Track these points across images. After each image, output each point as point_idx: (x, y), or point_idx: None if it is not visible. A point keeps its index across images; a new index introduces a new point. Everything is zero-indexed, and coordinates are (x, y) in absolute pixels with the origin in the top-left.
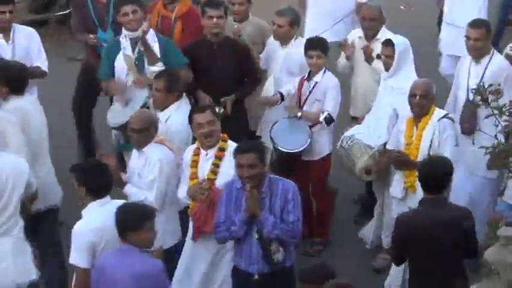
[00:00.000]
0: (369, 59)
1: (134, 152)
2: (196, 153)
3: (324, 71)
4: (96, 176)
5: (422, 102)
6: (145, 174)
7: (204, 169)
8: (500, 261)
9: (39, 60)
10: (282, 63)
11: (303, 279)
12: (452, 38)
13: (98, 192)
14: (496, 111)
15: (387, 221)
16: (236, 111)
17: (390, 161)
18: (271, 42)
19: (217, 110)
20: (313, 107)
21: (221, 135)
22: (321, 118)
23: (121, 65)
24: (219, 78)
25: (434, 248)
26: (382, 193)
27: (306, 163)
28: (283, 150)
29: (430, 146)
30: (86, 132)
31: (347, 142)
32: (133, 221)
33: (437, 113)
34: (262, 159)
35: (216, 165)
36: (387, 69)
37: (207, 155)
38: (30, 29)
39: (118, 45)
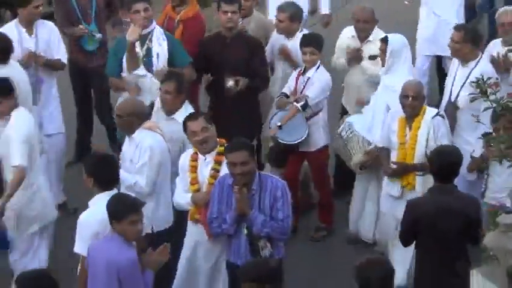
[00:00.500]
0: (356, 60)
1: (127, 138)
2: (194, 159)
3: (318, 67)
4: (104, 169)
5: (415, 104)
6: (136, 159)
7: (204, 174)
8: (500, 248)
9: (60, 53)
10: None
11: (242, 278)
12: (429, 37)
13: (105, 184)
14: (494, 104)
15: (370, 214)
16: (250, 104)
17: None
18: (276, 36)
19: (230, 83)
20: (300, 101)
21: (218, 140)
22: (299, 105)
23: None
24: (232, 70)
25: (441, 234)
26: (366, 185)
27: (301, 154)
28: (283, 142)
29: (426, 145)
30: (85, 126)
31: (346, 132)
32: (118, 212)
33: (429, 111)
34: (253, 156)
35: (216, 170)
36: (383, 64)
37: (205, 160)
38: (51, 23)
39: (126, 42)
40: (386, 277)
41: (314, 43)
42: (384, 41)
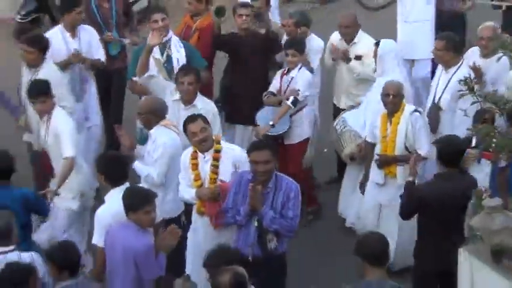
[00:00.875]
0: (343, 60)
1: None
2: (195, 157)
3: (300, 68)
4: (113, 167)
5: (394, 101)
6: (152, 153)
7: (205, 170)
8: (485, 228)
9: (99, 53)
10: None
11: (206, 263)
12: (407, 43)
13: (115, 180)
14: (480, 98)
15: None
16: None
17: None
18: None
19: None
20: (289, 99)
21: (214, 137)
22: (289, 102)
23: (151, 67)
24: (250, 61)
25: (444, 216)
26: (355, 175)
27: (285, 147)
28: (269, 133)
29: (405, 138)
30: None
31: (340, 126)
32: (133, 204)
33: (408, 108)
34: (275, 156)
35: (215, 166)
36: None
37: (204, 157)
38: (91, 28)
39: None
40: (386, 248)
41: (296, 46)
42: (376, 45)
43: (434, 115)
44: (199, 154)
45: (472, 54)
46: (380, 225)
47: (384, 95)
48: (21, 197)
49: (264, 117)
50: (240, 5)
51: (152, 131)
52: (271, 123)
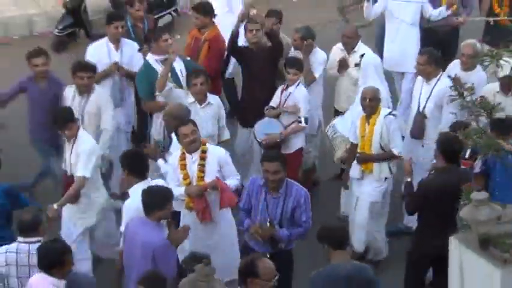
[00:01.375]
0: (342, 68)
1: None
2: (183, 158)
3: (298, 84)
4: (136, 162)
5: (371, 104)
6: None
7: (193, 170)
8: (472, 219)
9: (139, 66)
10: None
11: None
12: (394, 56)
13: (139, 174)
14: (470, 104)
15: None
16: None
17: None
18: (293, 52)
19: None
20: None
21: (201, 140)
22: (303, 123)
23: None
24: (260, 71)
25: (441, 209)
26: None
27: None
28: (258, 139)
29: (380, 138)
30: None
31: (331, 133)
32: (159, 202)
33: (383, 111)
34: (284, 166)
35: (202, 165)
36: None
37: (192, 158)
38: (133, 43)
39: (152, 68)
40: (344, 233)
41: (297, 65)
42: (361, 57)
43: (420, 122)
44: (187, 155)
45: (454, 67)
46: (355, 216)
47: (362, 99)
48: (5, 191)
49: (265, 127)
50: (248, 21)
51: (172, 134)
52: (279, 132)
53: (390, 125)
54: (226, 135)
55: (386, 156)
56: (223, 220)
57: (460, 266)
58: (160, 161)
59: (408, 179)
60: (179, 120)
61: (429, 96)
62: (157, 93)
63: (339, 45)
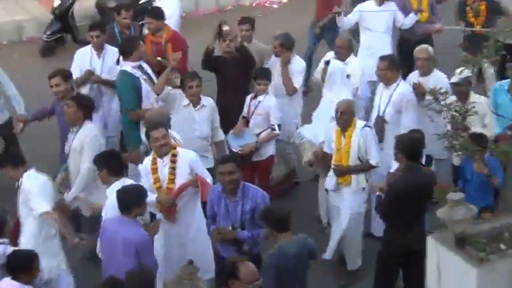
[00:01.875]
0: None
1: None
2: (154, 162)
3: (267, 93)
4: (113, 161)
5: (344, 117)
6: None
7: (164, 173)
8: (449, 219)
9: None
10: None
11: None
12: (370, 66)
13: (117, 172)
14: (444, 108)
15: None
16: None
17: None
18: (274, 59)
19: (225, 28)
20: (256, 119)
21: (172, 145)
22: (277, 130)
23: (146, 91)
24: (233, 78)
25: (407, 207)
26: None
27: (254, 163)
28: (233, 149)
29: (358, 150)
30: None
31: (297, 140)
32: (136, 200)
33: (359, 124)
34: (239, 167)
35: (172, 169)
36: (323, 81)
37: (163, 162)
38: (116, 50)
39: (133, 75)
40: (287, 215)
41: (267, 76)
42: (327, 64)
43: (380, 126)
44: (158, 160)
45: (412, 76)
46: (339, 226)
47: (336, 112)
48: None
49: (238, 137)
50: (224, 35)
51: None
52: (255, 141)
53: (367, 137)
54: (221, 135)
55: (364, 167)
56: (196, 219)
57: (437, 264)
58: (140, 166)
59: (378, 193)
60: (154, 125)
61: (388, 101)
62: (155, 96)
63: (330, 54)
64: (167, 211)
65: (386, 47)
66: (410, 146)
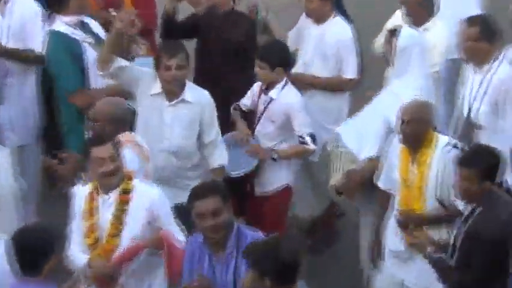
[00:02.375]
0: None
1: None
2: (92, 199)
3: (283, 87)
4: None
5: (415, 129)
6: None
7: (106, 218)
8: None
9: (35, 42)
10: (315, 46)
11: None
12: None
13: None
14: None
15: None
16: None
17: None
18: (304, 20)
19: None
20: (266, 128)
21: (125, 172)
22: (311, 145)
23: (93, 60)
24: (231, 48)
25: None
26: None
27: (259, 198)
28: (229, 175)
29: (437, 185)
30: None
31: (332, 146)
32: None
33: (441, 140)
34: (227, 201)
35: (121, 211)
36: (388, 63)
37: (109, 198)
38: (32, 3)
39: (68, 36)
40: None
41: (269, 58)
42: (392, 33)
43: (468, 135)
44: (100, 196)
45: None
46: None
47: (399, 120)
48: None
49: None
50: None
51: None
52: (275, 156)
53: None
54: (219, 159)
55: (449, 216)
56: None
57: None
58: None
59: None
60: (121, 123)
61: (483, 92)
62: (100, 73)
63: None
64: (103, 285)
65: (473, 4)
66: (489, 162)
